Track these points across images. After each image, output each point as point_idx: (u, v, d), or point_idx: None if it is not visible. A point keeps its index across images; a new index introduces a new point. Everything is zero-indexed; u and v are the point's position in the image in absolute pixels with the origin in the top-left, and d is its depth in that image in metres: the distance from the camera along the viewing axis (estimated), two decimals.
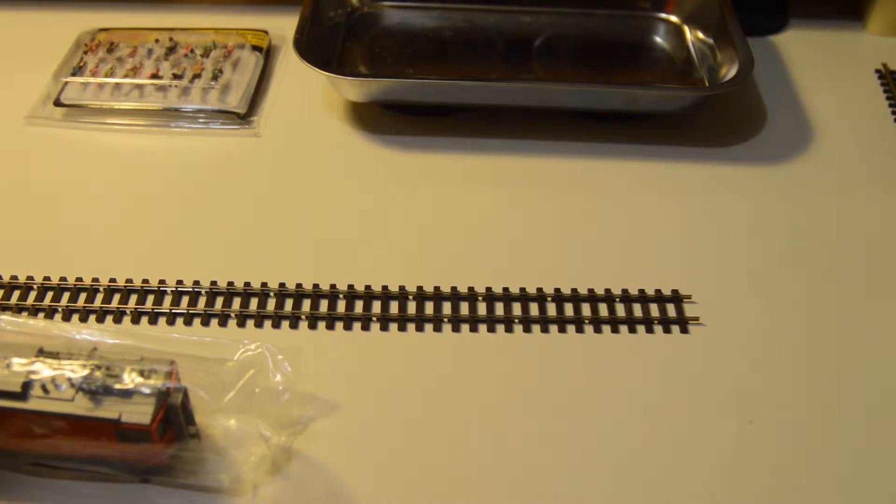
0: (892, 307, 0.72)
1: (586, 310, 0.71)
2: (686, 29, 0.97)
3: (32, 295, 0.70)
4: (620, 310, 0.71)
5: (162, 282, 0.72)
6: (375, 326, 0.69)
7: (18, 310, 0.69)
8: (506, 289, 0.72)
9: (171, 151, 0.84)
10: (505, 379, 0.66)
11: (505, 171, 0.83)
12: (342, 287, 0.72)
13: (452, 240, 0.76)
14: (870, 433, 0.63)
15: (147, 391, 0.54)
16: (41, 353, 0.56)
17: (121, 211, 0.78)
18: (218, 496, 0.58)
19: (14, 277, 0.71)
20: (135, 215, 0.78)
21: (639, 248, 0.76)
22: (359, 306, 0.70)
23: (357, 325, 0.69)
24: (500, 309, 0.71)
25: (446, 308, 0.70)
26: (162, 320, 0.69)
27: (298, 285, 0.72)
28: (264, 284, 0.72)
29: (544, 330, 0.69)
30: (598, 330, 0.69)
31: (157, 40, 0.93)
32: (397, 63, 0.93)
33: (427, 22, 0.98)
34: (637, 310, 0.71)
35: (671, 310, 0.71)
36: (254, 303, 0.71)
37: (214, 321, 0.69)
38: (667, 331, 0.69)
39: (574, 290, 0.72)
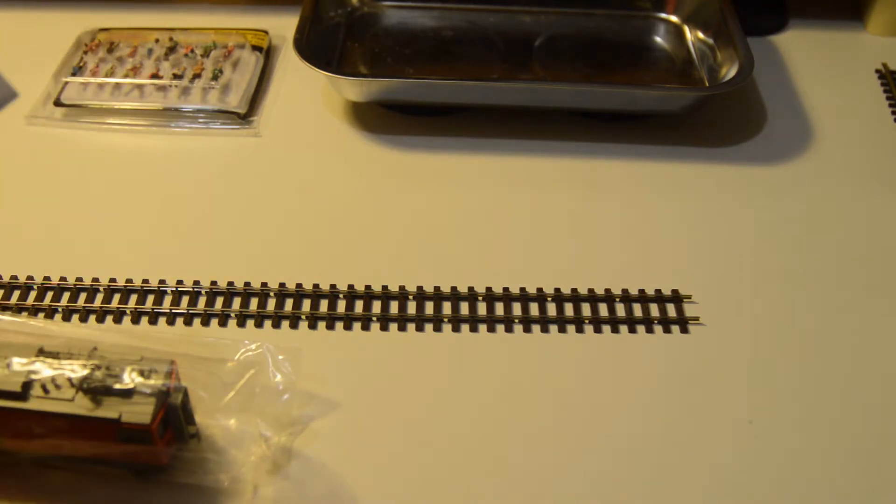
0: (892, 307, 0.72)
1: (586, 310, 0.71)
2: (686, 29, 0.97)
3: (32, 295, 0.70)
4: (620, 310, 0.71)
5: (162, 282, 0.72)
6: (375, 326, 0.69)
7: (18, 310, 0.69)
8: (506, 289, 0.72)
9: (171, 151, 0.84)
10: (505, 379, 0.66)
11: (505, 171, 0.83)
12: (342, 287, 0.72)
13: (452, 240, 0.76)
14: (870, 433, 0.63)
15: (147, 391, 0.54)
16: (41, 353, 0.56)
17: (121, 211, 0.78)
18: (218, 496, 0.58)
19: (14, 277, 0.71)
20: (135, 215, 0.78)
21: (639, 248, 0.76)
22: (359, 306, 0.70)
23: (357, 325, 0.69)
24: (500, 309, 0.71)
25: (446, 308, 0.70)
26: (162, 320, 0.69)
27: (298, 285, 0.72)
28: (264, 284, 0.72)
29: (544, 330, 0.69)
30: (598, 330, 0.69)
31: (157, 40, 0.93)
32: (397, 63, 0.93)
33: (427, 22, 0.98)
34: (637, 310, 0.71)
35: (671, 310, 0.71)
36: (254, 303, 0.71)
37: (214, 321, 0.69)
38: (667, 331, 0.70)
39: (574, 290, 0.72)
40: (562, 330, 0.69)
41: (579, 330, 0.69)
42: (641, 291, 0.72)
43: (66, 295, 0.71)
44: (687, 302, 0.71)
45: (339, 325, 0.69)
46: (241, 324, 0.69)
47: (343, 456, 0.60)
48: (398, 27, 0.98)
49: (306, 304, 0.70)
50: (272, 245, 0.75)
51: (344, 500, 0.58)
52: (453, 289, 0.72)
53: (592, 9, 0.99)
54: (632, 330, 0.69)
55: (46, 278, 0.71)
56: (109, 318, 0.69)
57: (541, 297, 0.71)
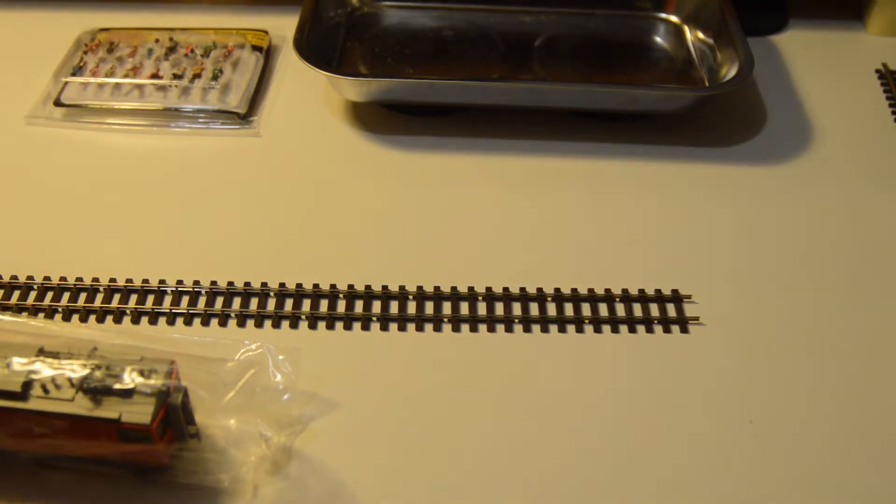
0: (892, 307, 0.72)
1: (586, 310, 0.71)
2: (686, 29, 0.97)
3: (32, 295, 0.70)
4: (620, 310, 0.71)
5: (162, 282, 0.72)
6: (375, 326, 0.69)
7: (18, 310, 0.69)
8: (506, 289, 0.72)
9: (171, 151, 0.84)
10: (505, 379, 0.66)
11: (505, 170, 0.83)
12: (342, 287, 0.72)
13: (452, 240, 0.76)
14: (870, 432, 0.63)
15: (147, 391, 0.54)
16: (41, 352, 0.56)
17: (121, 211, 0.78)
18: (218, 496, 0.58)
19: (14, 277, 0.71)
20: (135, 215, 0.78)
21: (639, 248, 0.76)
22: (359, 306, 0.70)
23: (357, 325, 0.69)
24: (500, 309, 0.71)
25: (446, 308, 0.70)
26: (162, 320, 0.69)
27: (298, 285, 0.72)
28: (264, 284, 0.72)
29: (544, 330, 0.69)
30: (598, 330, 0.69)
31: (157, 40, 0.93)
32: (397, 63, 0.93)
33: (427, 22, 0.98)
34: (637, 310, 0.71)
35: (671, 310, 0.71)
36: (254, 303, 0.71)
37: (214, 321, 0.69)
38: (667, 331, 0.70)
39: (574, 290, 0.72)
40: (562, 330, 0.69)
41: (579, 330, 0.69)
42: (641, 291, 0.72)
43: (66, 295, 0.71)
44: (687, 302, 0.71)
45: (339, 325, 0.69)
46: (241, 324, 0.69)
47: (343, 456, 0.61)
48: (398, 27, 0.98)
49: (306, 304, 0.70)
50: (272, 245, 0.75)
51: (344, 500, 0.58)
52: (453, 289, 0.72)
53: (592, 9, 0.99)
54: (632, 330, 0.69)
55: (46, 278, 0.71)
56: (109, 318, 0.69)
57: (541, 297, 0.71)
